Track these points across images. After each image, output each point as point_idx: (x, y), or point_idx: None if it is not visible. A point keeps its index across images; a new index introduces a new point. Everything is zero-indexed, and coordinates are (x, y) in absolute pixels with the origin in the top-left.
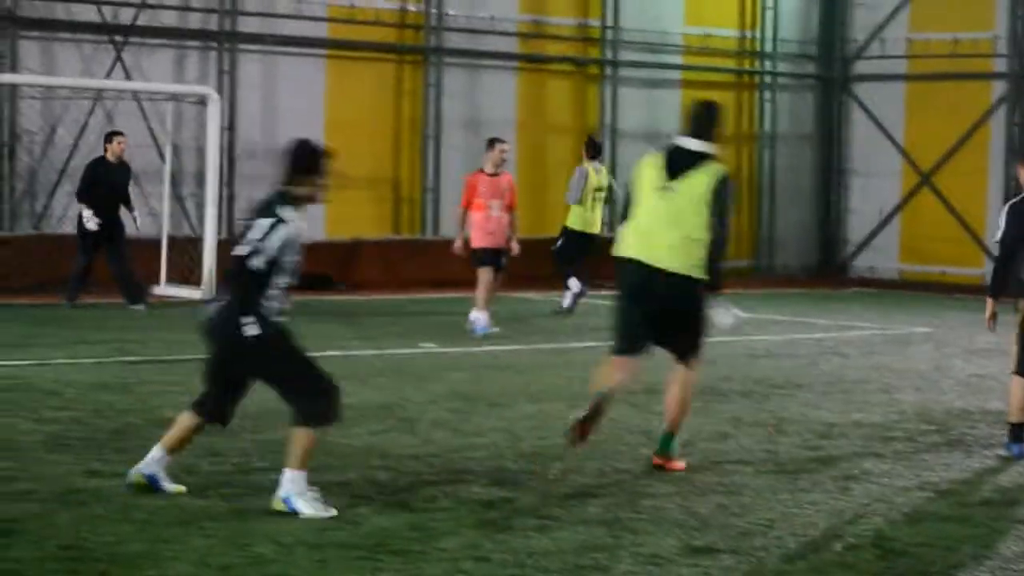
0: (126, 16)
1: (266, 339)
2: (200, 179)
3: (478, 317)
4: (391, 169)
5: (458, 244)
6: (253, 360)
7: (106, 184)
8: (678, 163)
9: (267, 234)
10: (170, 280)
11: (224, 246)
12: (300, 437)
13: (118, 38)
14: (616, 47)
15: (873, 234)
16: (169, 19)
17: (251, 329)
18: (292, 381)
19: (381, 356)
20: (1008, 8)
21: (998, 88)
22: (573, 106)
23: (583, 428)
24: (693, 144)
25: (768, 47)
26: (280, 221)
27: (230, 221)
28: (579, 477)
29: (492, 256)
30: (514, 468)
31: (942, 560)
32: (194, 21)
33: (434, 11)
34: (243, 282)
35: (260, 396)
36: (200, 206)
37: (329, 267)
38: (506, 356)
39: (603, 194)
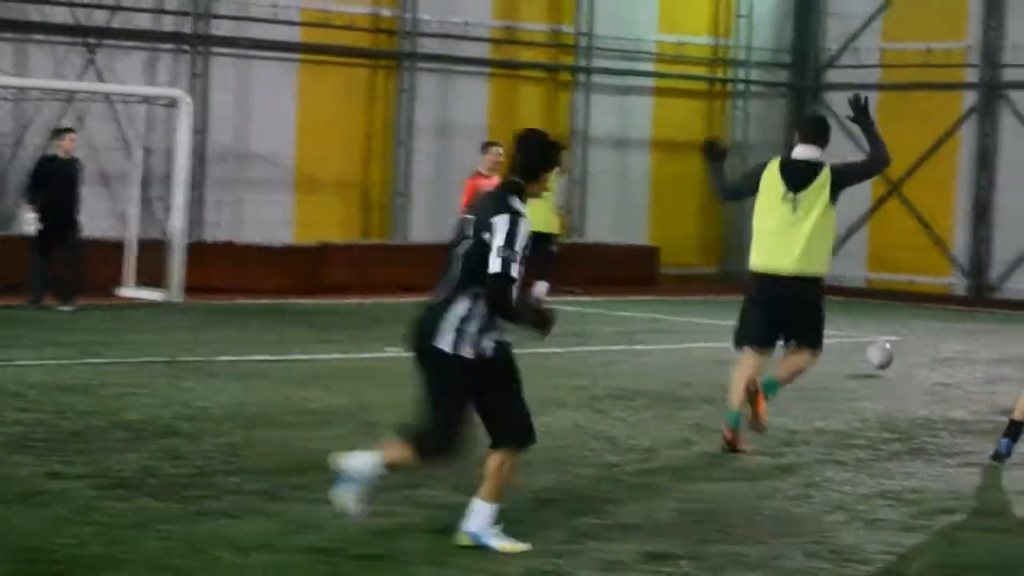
0: (99, 18)
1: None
2: (170, 182)
3: None
4: (362, 173)
5: None
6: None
7: (56, 180)
8: (797, 175)
9: (511, 233)
10: (138, 283)
11: (192, 249)
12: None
13: (90, 40)
14: (589, 54)
15: (841, 242)
16: (142, 22)
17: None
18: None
19: (347, 360)
20: (980, 18)
21: (969, 98)
22: (545, 112)
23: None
24: (809, 154)
25: (741, 55)
26: (518, 215)
27: (199, 224)
28: (541, 482)
29: None
30: (477, 473)
31: (902, 569)
32: (167, 24)
33: (407, 16)
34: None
35: (224, 399)
36: (169, 209)
37: (296, 271)
38: None
39: (547, 194)
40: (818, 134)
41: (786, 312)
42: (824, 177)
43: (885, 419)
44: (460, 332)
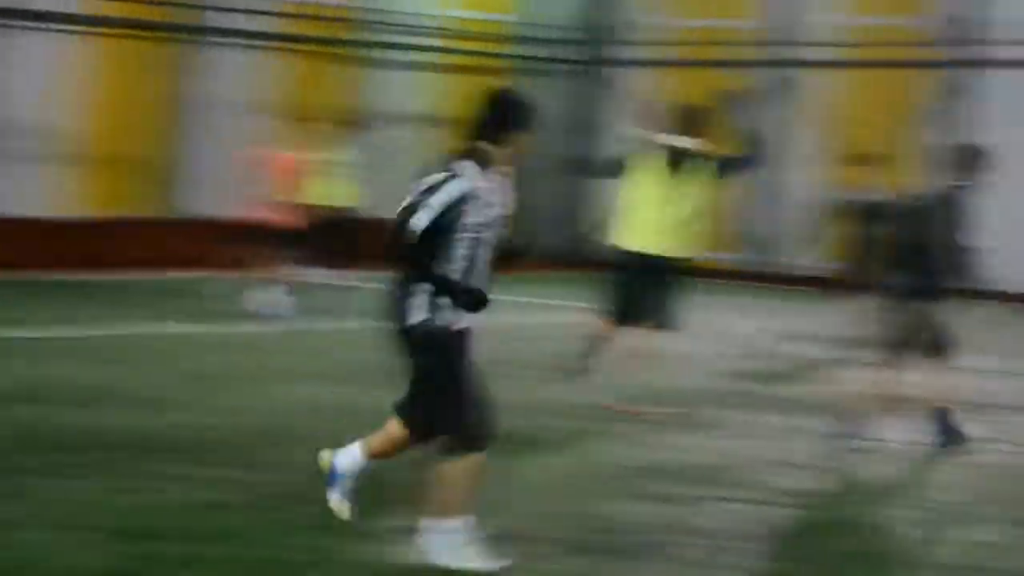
0: None
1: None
2: None
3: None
4: (145, 147)
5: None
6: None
7: None
8: (676, 163)
9: (438, 191)
10: None
11: None
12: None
13: None
14: (377, 30)
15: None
16: None
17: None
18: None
19: (127, 336)
20: None
21: (759, 77)
22: (334, 88)
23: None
24: (686, 143)
25: (530, 32)
26: (452, 177)
27: None
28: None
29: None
30: (258, 447)
31: (652, 537)
32: None
33: None
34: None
35: None
36: None
37: (76, 246)
38: (253, 337)
39: (341, 168)
40: (693, 123)
41: (653, 289)
42: (703, 166)
43: (657, 391)
44: (432, 306)
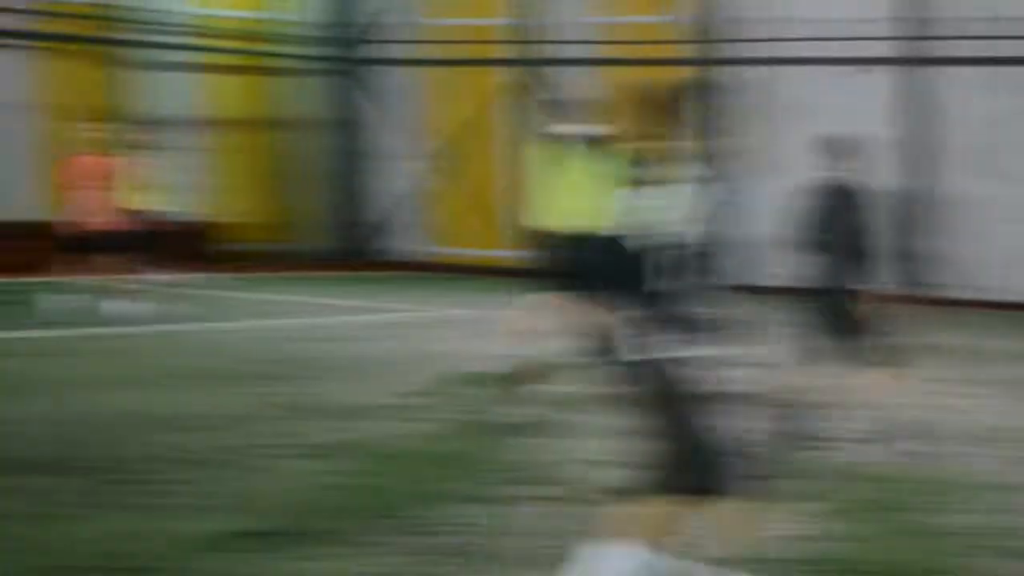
0: None
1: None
2: None
3: None
4: None
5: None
6: None
7: None
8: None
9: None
10: None
11: None
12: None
13: None
14: (130, 28)
15: (395, 217)
16: None
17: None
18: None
19: None
20: None
21: (507, 74)
22: (87, 88)
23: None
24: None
25: (288, 30)
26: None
27: None
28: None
29: None
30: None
31: (473, 538)
32: None
33: None
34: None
35: None
36: None
37: None
38: (73, 342)
39: (145, 172)
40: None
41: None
42: (607, 148)
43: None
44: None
